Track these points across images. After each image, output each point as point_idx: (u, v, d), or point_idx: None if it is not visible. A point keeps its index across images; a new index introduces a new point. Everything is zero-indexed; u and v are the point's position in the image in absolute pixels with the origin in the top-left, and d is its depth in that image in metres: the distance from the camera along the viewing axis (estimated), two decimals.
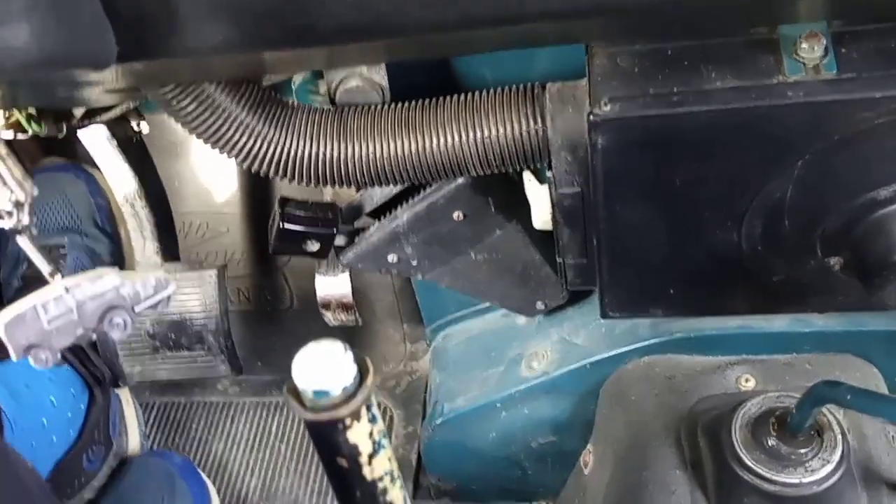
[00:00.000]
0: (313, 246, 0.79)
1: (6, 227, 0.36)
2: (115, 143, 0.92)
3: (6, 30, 0.36)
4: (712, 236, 0.65)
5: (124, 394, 1.05)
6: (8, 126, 0.72)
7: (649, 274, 0.70)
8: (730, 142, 0.59)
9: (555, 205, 0.68)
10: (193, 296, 0.94)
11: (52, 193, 1.07)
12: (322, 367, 0.35)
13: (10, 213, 0.36)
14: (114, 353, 0.96)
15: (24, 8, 0.36)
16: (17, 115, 0.72)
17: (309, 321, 1.11)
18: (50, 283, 0.40)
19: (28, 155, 1.14)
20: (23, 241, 0.37)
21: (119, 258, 1.08)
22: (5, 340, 0.39)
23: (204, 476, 1.02)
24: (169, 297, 0.44)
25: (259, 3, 0.42)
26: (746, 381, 0.77)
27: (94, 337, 0.42)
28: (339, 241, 0.80)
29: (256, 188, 1.12)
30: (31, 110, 0.73)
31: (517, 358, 0.91)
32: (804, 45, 0.57)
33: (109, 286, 0.41)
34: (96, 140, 0.90)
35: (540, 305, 0.88)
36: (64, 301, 0.40)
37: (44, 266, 0.39)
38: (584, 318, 0.88)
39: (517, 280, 0.85)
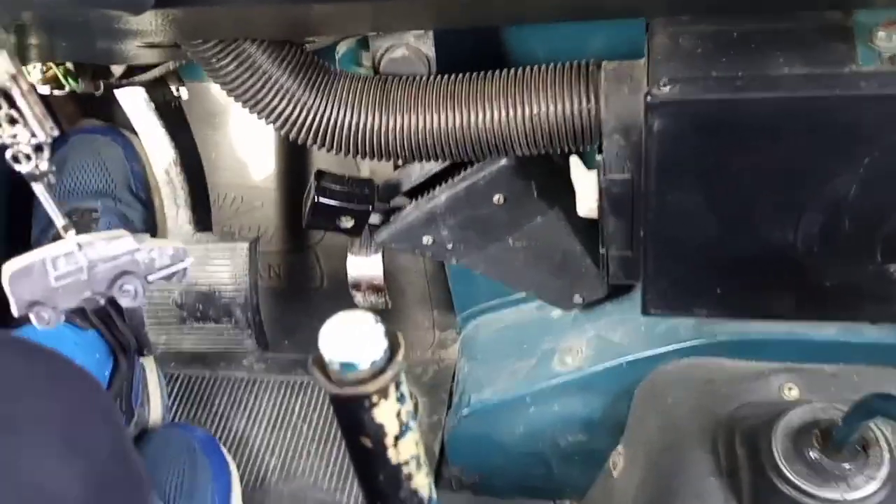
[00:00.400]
0: (347, 222, 0.76)
1: (23, 171, 0.34)
2: (152, 106, 0.90)
3: None
4: (766, 233, 0.62)
5: (149, 363, 1.04)
6: (45, 80, 0.70)
7: (696, 270, 0.67)
8: (794, 132, 0.56)
9: (602, 191, 0.65)
10: (224, 268, 0.93)
11: (88, 156, 1.06)
12: (351, 338, 0.32)
13: (28, 157, 0.33)
14: (140, 320, 0.95)
15: None
16: (55, 70, 0.70)
17: (338, 301, 1.08)
18: (63, 238, 0.37)
19: (66, 116, 1.13)
20: (38, 189, 0.35)
21: (152, 226, 1.07)
22: (8, 293, 0.37)
23: (225, 452, 1.01)
24: (185, 270, 0.41)
25: None
26: (790, 389, 0.74)
27: (102, 302, 0.39)
28: (374, 219, 0.78)
29: (294, 164, 1.11)
30: (70, 66, 0.71)
31: (550, 352, 0.88)
32: (881, 34, 0.54)
33: (124, 250, 0.39)
34: (134, 102, 0.89)
35: (577, 299, 0.85)
36: (75, 258, 0.38)
37: (58, 219, 0.37)
38: (623, 314, 0.85)
39: (555, 271, 0.82)
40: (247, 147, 1.11)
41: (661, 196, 0.61)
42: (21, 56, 0.65)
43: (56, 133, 0.33)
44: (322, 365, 0.33)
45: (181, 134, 0.97)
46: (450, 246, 0.79)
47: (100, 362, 0.97)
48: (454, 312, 1.04)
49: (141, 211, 1.06)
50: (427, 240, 0.78)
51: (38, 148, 0.34)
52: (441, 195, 0.75)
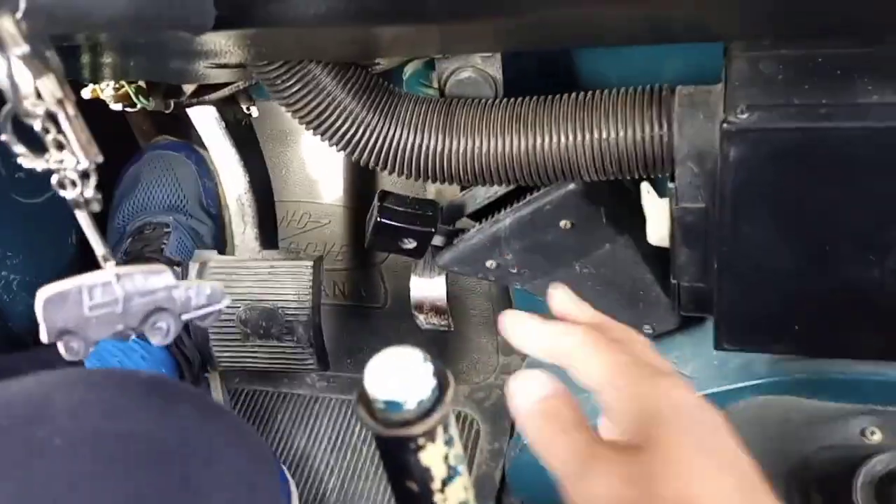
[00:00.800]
0: (410, 244, 0.75)
1: (67, 198, 0.33)
2: (223, 124, 0.91)
3: None
4: (849, 269, 0.58)
5: (214, 378, 1.05)
6: (117, 98, 0.72)
7: (773, 305, 0.64)
8: (883, 165, 0.52)
9: (674, 220, 0.62)
10: (288, 286, 0.92)
11: (162, 172, 1.08)
12: (397, 375, 0.31)
13: (73, 184, 0.33)
14: (205, 336, 0.95)
15: None
16: (127, 88, 0.71)
17: (401, 322, 1.08)
18: (102, 268, 0.37)
19: (142, 132, 1.15)
20: (81, 216, 0.35)
21: (221, 242, 1.08)
22: (40, 318, 0.37)
23: (285, 470, 1.00)
24: (220, 311, 0.40)
25: None
26: (872, 433, 0.70)
27: (133, 336, 0.39)
28: (437, 241, 0.76)
29: (362, 183, 1.11)
30: (142, 84, 0.72)
31: None
32: None
33: (162, 285, 0.38)
34: (205, 120, 0.90)
35: (647, 329, 0.82)
36: (112, 289, 0.37)
37: (99, 247, 0.36)
38: (696, 347, 0.82)
39: (624, 299, 0.79)
40: (317, 165, 1.11)
41: (736, 227, 0.58)
42: (94, 74, 0.66)
43: (100, 160, 0.32)
44: (367, 402, 0.32)
45: (251, 152, 0.98)
46: (514, 270, 0.77)
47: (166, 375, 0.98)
48: None
49: (211, 227, 1.07)
50: (491, 264, 0.76)
51: (85, 174, 0.33)
52: (506, 219, 0.73)
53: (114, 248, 1.04)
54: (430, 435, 0.32)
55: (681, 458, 0.36)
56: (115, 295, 0.38)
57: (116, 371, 0.32)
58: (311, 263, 0.92)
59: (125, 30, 0.40)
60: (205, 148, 1.03)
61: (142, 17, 0.36)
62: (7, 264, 1.00)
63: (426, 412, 0.31)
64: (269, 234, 1.02)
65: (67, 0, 0.32)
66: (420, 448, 0.32)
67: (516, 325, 0.49)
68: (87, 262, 0.39)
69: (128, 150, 1.14)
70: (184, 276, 0.97)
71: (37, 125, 0.32)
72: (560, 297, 0.51)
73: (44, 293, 0.38)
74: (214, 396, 1.05)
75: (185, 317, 0.40)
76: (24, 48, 0.30)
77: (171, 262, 0.99)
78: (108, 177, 1.12)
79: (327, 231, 1.13)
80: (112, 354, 0.91)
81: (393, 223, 0.73)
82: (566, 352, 0.44)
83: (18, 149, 0.33)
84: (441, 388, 0.32)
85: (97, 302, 0.38)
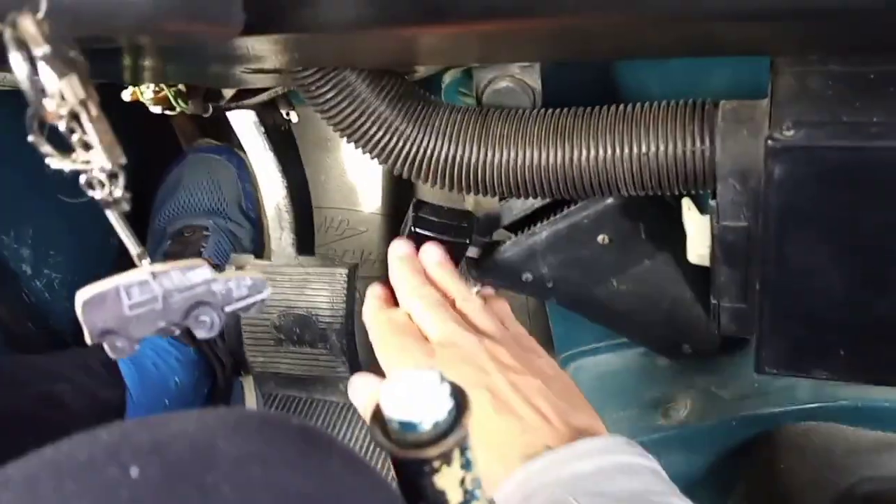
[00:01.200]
0: None
1: (96, 198, 0.33)
2: (262, 129, 0.91)
3: None
4: None
5: (248, 382, 1.05)
6: (156, 101, 0.72)
7: (818, 329, 0.61)
8: None
9: (715, 239, 0.60)
10: (322, 293, 0.92)
11: (203, 175, 1.09)
12: (413, 395, 0.30)
13: (101, 184, 0.32)
14: (238, 340, 0.95)
15: None
16: (167, 91, 0.71)
17: None
18: (137, 266, 0.37)
19: (184, 135, 1.16)
20: (111, 216, 0.34)
21: (259, 246, 1.09)
22: (81, 320, 0.36)
23: None
24: (263, 301, 0.40)
25: None
26: None
27: (177, 332, 0.38)
28: (472, 252, 0.75)
29: (400, 192, 1.10)
30: (181, 87, 0.73)
31: (654, 403, 0.83)
32: None
33: (200, 279, 0.38)
34: (244, 124, 0.90)
35: (686, 348, 0.79)
36: (150, 287, 0.36)
37: (133, 246, 0.36)
38: (736, 368, 0.80)
39: (663, 317, 0.77)
40: (356, 173, 1.11)
41: (780, 247, 0.56)
42: (133, 77, 0.66)
43: (123, 161, 0.32)
44: (381, 421, 0.31)
45: (290, 158, 0.98)
46: (550, 285, 0.75)
47: (199, 379, 0.98)
48: (555, 352, 1.00)
49: (250, 230, 1.08)
50: (527, 277, 0.75)
51: (114, 175, 0.33)
52: (542, 232, 0.72)
53: (154, 250, 1.05)
54: (447, 457, 0.30)
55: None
56: (154, 293, 0.38)
57: (272, 417, 0.32)
58: (346, 271, 0.92)
59: (150, 33, 0.40)
60: (245, 152, 1.04)
61: (167, 20, 0.36)
62: (49, 263, 1.02)
63: (442, 434, 0.30)
64: (305, 240, 1.02)
65: (91, 1, 0.32)
66: (435, 471, 0.30)
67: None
68: (129, 262, 0.38)
69: (170, 152, 1.15)
70: None
71: (61, 125, 0.32)
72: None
73: (82, 295, 0.38)
74: (247, 400, 1.05)
75: (228, 308, 0.40)
76: (45, 48, 0.29)
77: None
78: (151, 178, 1.13)
79: (364, 238, 1.13)
80: (147, 357, 0.92)
81: (427, 233, 0.72)
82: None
83: (45, 149, 0.33)
84: (459, 409, 0.31)
85: (136, 301, 0.38)
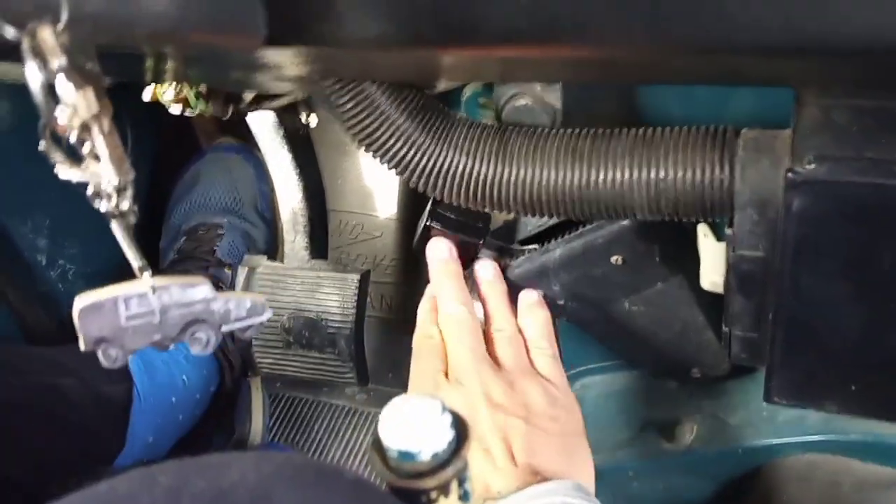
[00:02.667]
0: None
1: (102, 210, 0.33)
2: (281, 132, 0.91)
3: None
4: None
5: (255, 383, 1.05)
6: (177, 100, 0.72)
7: (830, 363, 0.60)
8: None
9: (730, 267, 0.59)
10: (333, 298, 0.92)
11: (220, 173, 1.09)
12: (412, 425, 0.30)
13: (109, 196, 0.32)
14: (248, 341, 0.96)
15: None
16: (187, 93, 0.71)
17: None
18: (137, 279, 0.36)
19: (204, 132, 1.17)
20: (116, 228, 0.34)
21: (273, 247, 1.09)
22: (77, 327, 0.36)
23: None
24: (261, 325, 0.40)
25: None
26: None
27: (172, 346, 0.38)
28: (487, 255, 0.75)
29: (416, 198, 1.10)
30: (202, 88, 0.73)
31: (660, 425, 0.82)
32: None
33: (200, 297, 0.38)
34: (263, 126, 0.90)
35: (695, 373, 0.79)
36: (148, 301, 0.36)
37: (135, 260, 0.36)
38: (744, 395, 0.79)
39: (673, 340, 0.76)
40: (373, 177, 1.11)
41: (796, 280, 0.55)
42: (155, 76, 0.66)
43: (132, 177, 0.32)
44: (380, 449, 0.30)
45: (307, 161, 0.98)
46: (561, 302, 0.75)
47: (207, 378, 0.98)
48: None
49: (264, 231, 1.08)
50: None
51: (122, 188, 0.33)
52: (556, 249, 0.71)
53: (168, 246, 1.05)
54: (444, 489, 0.30)
55: None
56: (152, 306, 0.38)
57: (326, 469, 0.32)
58: (357, 277, 0.92)
59: (171, 43, 0.40)
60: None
61: (189, 30, 0.36)
62: (64, 254, 1.02)
63: (441, 465, 0.30)
64: (319, 243, 1.02)
65: (111, 11, 0.32)
66: (432, 501, 0.30)
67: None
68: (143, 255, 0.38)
69: (190, 150, 1.15)
70: (233, 279, 0.98)
71: (72, 137, 0.32)
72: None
73: (80, 302, 0.38)
74: (254, 400, 1.05)
75: (225, 328, 0.40)
76: (63, 60, 0.29)
77: (221, 264, 1.00)
78: (170, 174, 1.13)
79: (378, 244, 1.12)
80: (156, 354, 0.92)
81: (442, 228, 0.72)
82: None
83: (56, 158, 0.33)
84: (459, 440, 0.31)
85: (133, 312, 0.38)
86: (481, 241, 0.74)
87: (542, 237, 0.74)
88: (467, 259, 0.75)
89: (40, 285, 0.99)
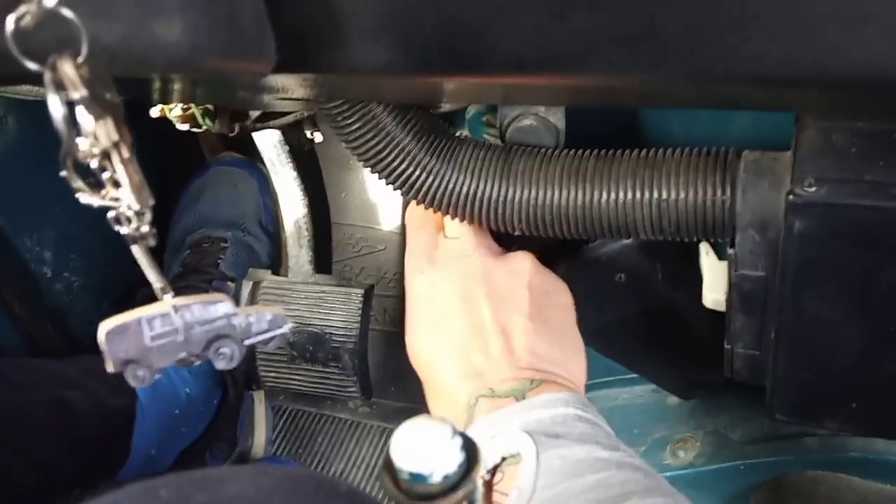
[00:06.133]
0: None
1: (122, 233, 0.34)
2: (286, 148, 0.92)
3: (159, 24, 0.34)
4: None
5: (258, 396, 1.06)
6: (184, 119, 0.73)
7: (831, 381, 0.61)
8: None
9: (732, 286, 0.60)
10: (337, 312, 0.93)
11: (224, 187, 1.09)
12: (423, 448, 0.30)
13: (129, 220, 0.33)
14: (251, 354, 0.96)
15: (180, 3, 0.34)
16: (195, 110, 0.72)
17: None
18: (159, 300, 0.37)
19: (209, 147, 1.18)
20: (137, 251, 0.35)
21: (276, 261, 1.09)
22: (104, 350, 0.37)
23: None
24: (282, 336, 0.40)
25: (428, 26, 0.38)
26: None
27: (197, 363, 0.39)
28: None
29: None
30: (208, 106, 0.74)
31: (662, 441, 0.83)
32: None
33: (221, 313, 0.38)
34: (268, 142, 0.91)
35: (698, 390, 0.79)
36: (171, 320, 0.37)
37: (156, 280, 0.36)
38: (746, 412, 0.79)
39: (675, 357, 0.77)
40: (376, 191, 1.12)
41: (797, 300, 0.56)
42: (162, 97, 0.67)
43: (152, 203, 0.33)
44: (392, 470, 0.31)
45: (311, 177, 0.99)
46: None
47: (210, 390, 0.99)
48: None
49: (268, 245, 1.09)
50: None
51: (141, 212, 0.34)
52: (559, 266, 0.72)
53: (172, 260, 1.06)
54: None
55: None
56: (175, 325, 0.39)
57: (324, 482, 0.33)
58: (362, 292, 0.92)
59: (185, 72, 0.41)
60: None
61: (202, 60, 0.36)
62: (70, 266, 1.03)
63: (452, 487, 0.30)
64: (323, 258, 1.03)
65: (129, 44, 0.33)
66: None
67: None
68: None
69: (195, 163, 1.16)
70: (237, 293, 0.98)
71: (93, 164, 0.33)
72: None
73: (105, 326, 0.39)
74: (257, 413, 1.05)
75: (247, 342, 0.41)
76: (84, 92, 0.30)
77: (225, 278, 1.01)
78: (174, 188, 1.14)
79: (382, 257, 1.13)
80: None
81: None
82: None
83: (77, 185, 0.33)
84: (469, 462, 0.31)
85: (157, 332, 0.39)
86: None
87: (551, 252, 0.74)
88: None
89: (46, 298, 1.00)
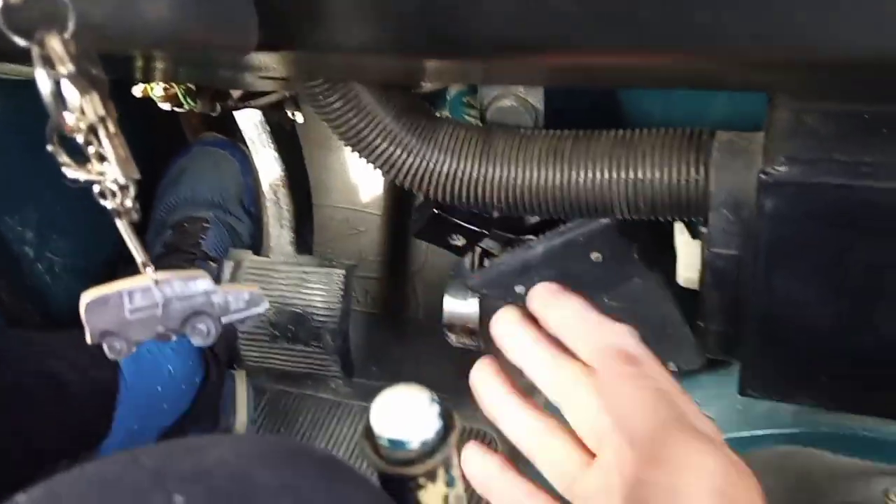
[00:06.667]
0: (458, 240, 0.74)
1: (108, 207, 0.34)
2: (267, 128, 0.92)
3: (145, 1, 0.34)
4: (885, 328, 0.57)
5: (240, 375, 1.06)
6: (166, 98, 0.73)
7: (802, 357, 0.62)
8: None
9: (706, 264, 0.61)
10: (318, 292, 0.94)
11: (206, 168, 1.10)
12: (402, 415, 0.31)
13: (113, 194, 0.34)
14: (233, 334, 0.97)
15: None
16: (176, 89, 0.73)
17: (430, 335, 1.08)
18: (141, 273, 0.38)
19: (191, 127, 1.17)
20: (121, 225, 0.36)
21: (258, 242, 1.10)
22: (84, 320, 0.38)
23: None
24: (259, 315, 0.41)
25: (409, 4, 0.39)
26: None
27: (174, 337, 0.40)
28: (493, 247, 0.76)
29: (402, 193, 1.11)
30: (190, 86, 0.74)
31: None
32: None
33: (201, 290, 0.39)
34: (249, 122, 0.91)
35: (672, 367, 0.81)
36: (151, 294, 0.38)
37: (138, 255, 0.37)
38: (720, 389, 0.81)
39: (650, 335, 0.77)
40: (358, 172, 1.12)
41: (769, 278, 0.57)
42: (144, 76, 0.67)
43: (137, 177, 0.33)
44: (371, 437, 0.32)
45: (292, 157, 0.99)
46: None
47: (192, 368, 0.99)
48: None
49: (249, 225, 1.09)
50: (520, 289, 0.76)
51: (126, 186, 0.34)
52: (538, 246, 0.73)
53: (154, 240, 1.06)
54: (431, 475, 0.32)
55: None
56: (155, 299, 0.39)
57: (299, 448, 0.34)
58: (343, 272, 0.93)
59: (171, 49, 0.41)
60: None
61: (187, 37, 0.37)
62: (52, 246, 1.03)
63: (429, 452, 0.32)
64: (304, 238, 1.03)
65: (115, 20, 0.33)
66: (420, 487, 0.32)
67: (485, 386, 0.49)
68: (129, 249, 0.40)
69: (176, 144, 1.16)
70: (218, 273, 0.99)
71: (79, 138, 0.33)
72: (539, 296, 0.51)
73: (86, 297, 0.39)
74: (238, 393, 1.06)
75: (224, 319, 0.42)
76: (71, 68, 0.31)
77: (206, 258, 1.01)
78: (156, 168, 1.14)
79: (364, 238, 1.14)
80: (144, 345, 0.93)
81: (449, 217, 0.72)
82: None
83: (63, 159, 0.34)
84: (446, 428, 0.32)
85: (137, 306, 0.39)
86: (486, 232, 0.74)
87: (544, 227, 0.75)
88: (470, 247, 0.75)
89: (28, 278, 1.00)
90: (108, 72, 0.34)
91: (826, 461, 0.72)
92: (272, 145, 0.94)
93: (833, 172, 0.51)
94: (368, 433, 0.32)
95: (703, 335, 0.68)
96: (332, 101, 0.59)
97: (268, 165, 0.98)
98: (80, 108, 0.32)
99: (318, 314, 0.93)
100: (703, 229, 0.60)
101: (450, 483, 0.33)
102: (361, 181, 1.13)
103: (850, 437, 0.72)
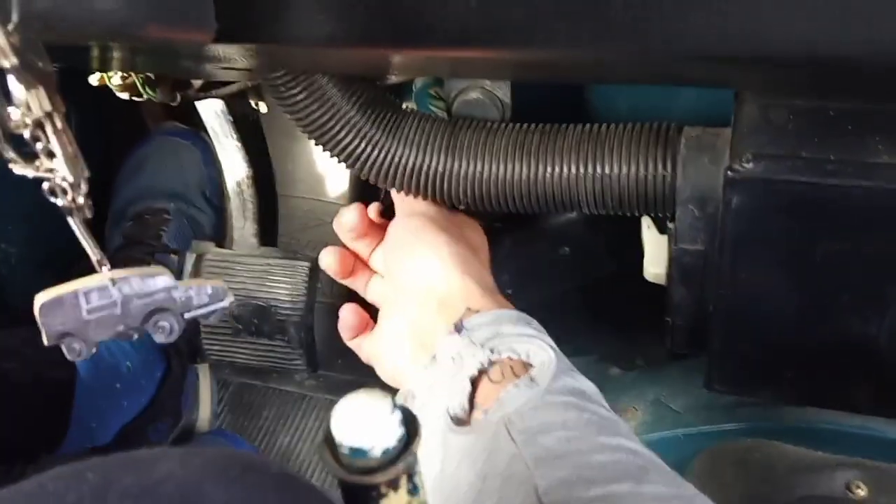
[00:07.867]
0: None
1: (59, 204, 0.33)
2: (230, 119, 0.90)
3: None
4: (847, 324, 0.58)
5: (203, 369, 1.05)
6: (124, 88, 0.71)
7: (766, 352, 0.63)
8: (887, 225, 0.52)
9: (672, 260, 0.61)
10: (283, 285, 0.92)
11: (167, 158, 1.07)
12: (363, 422, 0.30)
13: (64, 191, 0.33)
14: (195, 328, 0.95)
15: None
16: (135, 78, 0.71)
17: None
18: (97, 272, 0.37)
19: (151, 116, 1.15)
20: (73, 223, 0.34)
21: (220, 233, 1.08)
22: (40, 322, 0.37)
23: None
24: (223, 309, 0.40)
25: None
26: (857, 487, 0.69)
27: (136, 336, 0.39)
28: None
29: (367, 184, 1.09)
30: (150, 75, 0.72)
31: None
32: None
33: (161, 286, 0.38)
34: (211, 112, 0.89)
35: (639, 360, 0.81)
36: (109, 293, 0.37)
37: (93, 253, 0.36)
38: (686, 383, 0.81)
39: (617, 330, 0.78)
40: (323, 163, 1.10)
41: (734, 273, 0.57)
42: (102, 65, 0.65)
43: (86, 174, 0.32)
44: (332, 445, 0.31)
45: (256, 147, 0.98)
46: (510, 291, 0.76)
47: (152, 363, 0.98)
48: None
49: (212, 217, 1.07)
50: None
51: (76, 184, 0.33)
52: (505, 239, 0.73)
53: (113, 231, 1.04)
54: (394, 484, 0.31)
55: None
56: (113, 298, 0.38)
57: (254, 463, 0.33)
58: (307, 264, 0.92)
59: (122, 40, 0.40)
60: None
61: (139, 28, 0.36)
62: (7, 237, 1.00)
63: (391, 460, 0.31)
64: (268, 230, 1.02)
65: (62, 11, 0.32)
66: (382, 496, 0.31)
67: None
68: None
69: (136, 132, 1.13)
70: (180, 265, 0.97)
71: (26, 134, 0.32)
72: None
73: (41, 298, 0.38)
74: (202, 387, 1.04)
75: (187, 315, 0.41)
76: (14, 61, 0.29)
77: (167, 250, 0.99)
78: (115, 157, 1.11)
79: (329, 229, 1.11)
80: (103, 343, 0.91)
81: None
82: None
83: (9, 155, 0.33)
84: (409, 435, 0.31)
85: (95, 305, 0.38)
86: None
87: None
88: None
89: None
90: (61, 60, 0.32)
91: (789, 454, 0.73)
92: (235, 135, 0.92)
93: (799, 170, 0.51)
94: (329, 441, 0.31)
95: (669, 330, 0.68)
96: (295, 93, 0.57)
97: (231, 156, 0.96)
98: (26, 103, 0.30)
99: (282, 307, 0.91)
100: (670, 225, 0.60)
101: (413, 491, 0.32)
102: (327, 172, 1.11)
103: (812, 431, 0.73)
